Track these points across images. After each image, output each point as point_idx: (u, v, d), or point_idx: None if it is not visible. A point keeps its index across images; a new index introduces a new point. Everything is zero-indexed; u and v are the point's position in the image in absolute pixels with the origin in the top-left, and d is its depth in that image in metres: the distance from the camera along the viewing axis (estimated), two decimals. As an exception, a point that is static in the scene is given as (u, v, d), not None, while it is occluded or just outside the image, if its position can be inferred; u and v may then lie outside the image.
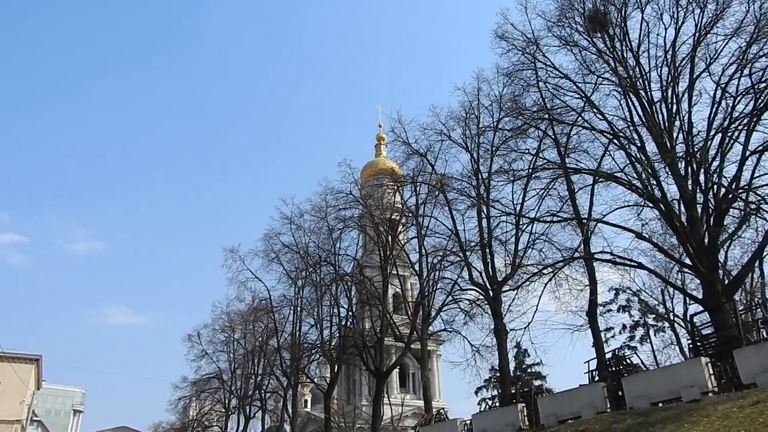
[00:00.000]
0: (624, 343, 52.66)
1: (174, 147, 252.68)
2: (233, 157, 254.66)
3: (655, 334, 52.58)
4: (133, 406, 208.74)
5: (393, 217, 46.27)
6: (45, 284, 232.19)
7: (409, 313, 42.39)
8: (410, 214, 43.41)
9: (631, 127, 29.08)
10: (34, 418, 70.95)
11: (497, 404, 37.17)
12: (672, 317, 47.07)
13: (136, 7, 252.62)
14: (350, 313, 45.46)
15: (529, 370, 62.65)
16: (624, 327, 54.55)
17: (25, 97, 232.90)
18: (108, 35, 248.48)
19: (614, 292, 53.13)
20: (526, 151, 35.05)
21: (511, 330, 32.94)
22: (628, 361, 27.65)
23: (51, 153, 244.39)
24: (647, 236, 28.18)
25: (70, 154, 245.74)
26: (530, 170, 34.21)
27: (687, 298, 42.79)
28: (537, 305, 31.56)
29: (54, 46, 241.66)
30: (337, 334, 47.15)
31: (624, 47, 29.66)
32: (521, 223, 34.63)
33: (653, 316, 52.22)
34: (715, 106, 26.84)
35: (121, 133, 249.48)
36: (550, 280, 31.34)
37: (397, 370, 63.10)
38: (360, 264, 47.36)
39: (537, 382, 59.32)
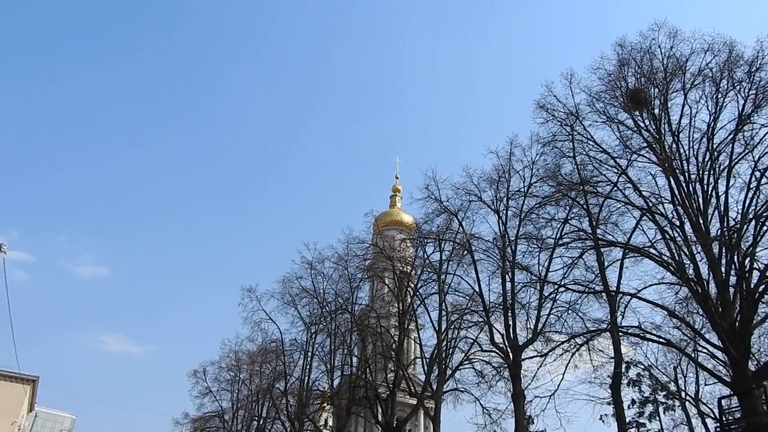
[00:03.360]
0: (633, 418, 51.68)
1: (190, 183, 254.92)
2: (247, 197, 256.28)
3: (664, 413, 51.62)
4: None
5: (412, 271, 46.34)
6: (46, 306, 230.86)
7: (425, 368, 41.97)
8: (430, 270, 43.43)
9: (666, 204, 29.51)
10: (24, 441, 69.51)
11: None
12: (684, 396, 46.38)
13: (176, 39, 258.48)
14: (365, 364, 44.99)
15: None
16: (633, 402, 53.71)
17: (48, 109, 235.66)
18: (136, 51, 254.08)
19: (625, 365, 52.57)
20: (555, 218, 35.50)
21: (535, 398, 32.53)
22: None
23: (66, 171, 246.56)
24: (681, 315, 28.11)
25: (84, 174, 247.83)
26: (557, 238, 34.59)
27: (699, 379, 42.43)
28: (564, 374, 31.29)
29: (65, 55, 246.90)
30: (348, 384, 46.56)
31: (663, 126, 30.28)
32: (545, 289, 34.79)
33: (664, 393, 51.42)
34: (752, 191, 27.22)
35: (140, 161, 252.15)
36: (577, 350, 31.26)
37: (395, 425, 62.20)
38: (378, 314, 47.17)
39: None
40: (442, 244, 41.97)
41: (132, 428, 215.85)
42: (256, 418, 60.93)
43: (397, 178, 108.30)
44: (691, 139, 29.61)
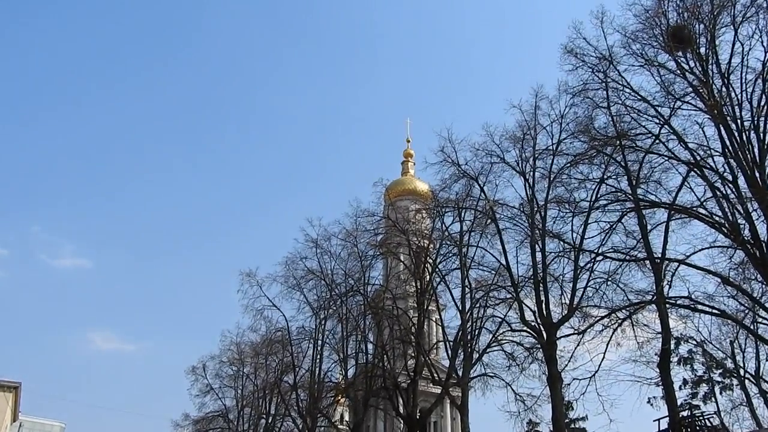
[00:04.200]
0: (685, 400, 51.87)
1: (175, 155, 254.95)
2: (241, 169, 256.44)
3: (721, 393, 51.78)
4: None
5: (430, 245, 46.41)
6: (24, 303, 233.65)
7: (448, 353, 42.26)
8: (450, 243, 43.47)
9: (716, 157, 29.21)
10: (8, 454, 71.01)
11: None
12: (742, 373, 46.40)
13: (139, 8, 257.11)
14: (381, 351, 45.36)
15: (572, 426, 61.95)
16: (685, 382, 53.90)
17: (5, 95, 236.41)
18: (104, 32, 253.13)
19: (674, 341, 52.62)
20: (589, 179, 35.26)
21: (574, 380, 32.68)
22: (708, 422, 27.29)
23: (36, 155, 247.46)
24: (736, 282, 28.03)
25: (57, 156, 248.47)
26: (592, 200, 34.41)
27: (760, 353, 42.33)
28: (605, 352, 31.38)
29: (37, 40, 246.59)
30: (364, 373, 47.03)
31: (710, 67, 29.80)
32: (580, 259, 34.74)
33: (720, 370, 51.51)
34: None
35: (117, 135, 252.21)
36: (619, 326, 31.31)
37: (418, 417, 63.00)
38: (393, 295, 47.43)
39: (581, 440, 58.59)
40: (463, 213, 41.92)
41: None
42: (264, 416, 61.62)
43: (408, 141, 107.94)
44: (743, 80, 29.02)
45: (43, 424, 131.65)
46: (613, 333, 31.86)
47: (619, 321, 32.07)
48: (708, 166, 29.30)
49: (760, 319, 33.71)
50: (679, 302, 30.59)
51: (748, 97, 28.66)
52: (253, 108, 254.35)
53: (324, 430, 71.90)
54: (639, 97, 31.91)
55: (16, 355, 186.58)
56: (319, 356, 51.80)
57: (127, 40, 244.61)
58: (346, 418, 66.42)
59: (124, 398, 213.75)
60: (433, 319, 53.25)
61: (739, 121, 28.43)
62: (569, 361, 34.05)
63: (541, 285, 35.44)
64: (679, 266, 30.62)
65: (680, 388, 52.12)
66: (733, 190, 27.88)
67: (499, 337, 40.12)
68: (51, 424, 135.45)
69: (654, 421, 28.59)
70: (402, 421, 47.67)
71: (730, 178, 28.15)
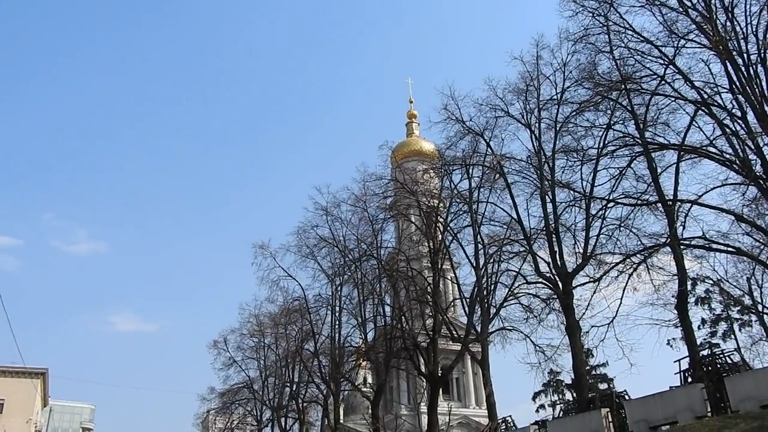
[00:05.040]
0: (705, 340, 52.12)
1: (184, 131, 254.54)
2: (253, 141, 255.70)
3: (740, 330, 52.02)
4: (149, 422, 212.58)
5: (440, 204, 46.39)
6: (43, 291, 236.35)
7: (465, 309, 42.58)
8: (460, 201, 43.44)
9: (723, 94, 28.83)
10: (42, 438, 72.92)
11: (560, 411, 37.24)
12: (761, 309, 46.51)
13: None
14: (399, 313, 45.76)
15: (593, 373, 62.54)
16: (703, 322, 54.11)
17: (7, 73, 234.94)
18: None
19: (691, 282, 52.68)
20: (596, 125, 34.98)
21: (592, 327, 32.86)
22: (728, 359, 27.42)
23: (41, 140, 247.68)
24: (750, 218, 27.90)
25: (64, 141, 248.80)
26: (600, 147, 34.19)
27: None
28: (621, 298, 31.46)
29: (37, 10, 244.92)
30: (384, 336, 47.52)
31: (713, 1, 29.16)
32: (592, 207, 34.66)
33: (738, 308, 51.65)
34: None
35: (123, 114, 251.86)
36: (634, 270, 31.34)
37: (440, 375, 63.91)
38: (407, 256, 47.63)
39: (602, 386, 59.23)
40: (470, 170, 41.88)
41: (157, 411, 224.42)
42: (288, 384, 62.89)
43: (411, 102, 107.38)
44: (748, 13, 28.45)
45: (73, 407, 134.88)
46: (628, 278, 31.98)
47: (635, 266, 32.13)
48: (716, 104, 28.94)
49: (776, 254, 33.71)
50: (693, 243, 30.58)
51: (754, 30, 28.14)
52: (253, 75, 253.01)
53: (348, 394, 73.18)
54: (642, 39, 31.39)
55: (41, 342, 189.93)
56: (337, 322, 52.57)
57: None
58: (369, 380, 67.27)
59: (149, 377, 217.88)
60: (448, 277, 53.54)
61: (745, 55, 27.95)
62: (586, 309, 34.32)
63: (553, 236, 35.55)
64: (691, 207, 30.52)
65: (699, 328, 52.32)
66: (743, 125, 27.56)
67: (515, 291, 40.42)
68: (81, 407, 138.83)
69: (674, 362, 28.68)
70: (424, 380, 48.40)
71: (738, 114, 27.81)
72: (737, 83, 27.75)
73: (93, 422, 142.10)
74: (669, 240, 30.58)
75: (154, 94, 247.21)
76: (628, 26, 31.95)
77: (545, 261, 36.14)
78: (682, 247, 30.53)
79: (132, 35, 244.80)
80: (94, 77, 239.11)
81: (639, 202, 32.44)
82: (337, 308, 52.46)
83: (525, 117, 38.32)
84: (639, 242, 33.06)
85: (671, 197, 30.90)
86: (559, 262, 35.01)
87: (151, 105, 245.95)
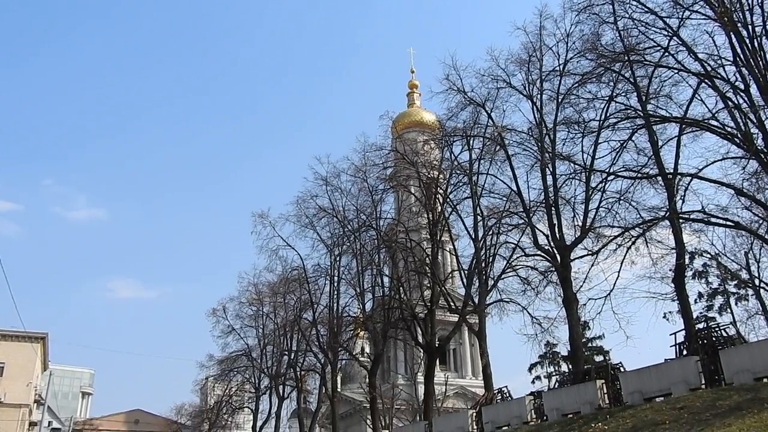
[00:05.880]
0: (701, 313, 52.49)
1: (183, 99, 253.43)
2: (253, 112, 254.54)
3: (736, 303, 52.41)
4: (147, 388, 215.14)
5: (440, 175, 46.26)
6: (44, 257, 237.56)
7: (464, 281, 42.74)
8: (460, 172, 43.35)
9: (727, 67, 28.61)
10: (41, 402, 73.77)
11: (556, 383, 37.48)
12: (758, 284, 46.75)
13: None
14: (397, 283, 45.92)
15: (589, 345, 63.06)
16: (700, 295, 54.48)
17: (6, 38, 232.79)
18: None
19: (689, 256, 52.87)
20: (598, 97, 34.77)
21: (589, 300, 33.05)
22: (724, 332, 27.58)
23: (43, 106, 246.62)
24: (750, 193, 27.88)
25: (64, 106, 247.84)
26: (602, 119, 34.04)
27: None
28: (619, 271, 31.60)
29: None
30: (382, 306, 47.77)
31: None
32: (592, 180, 34.62)
33: (735, 282, 51.95)
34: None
35: (125, 81, 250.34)
36: (632, 244, 31.40)
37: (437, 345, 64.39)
38: (406, 227, 47.70)
39: (598, 358, 59.75)
40: (471, 141, 41.73)
41: (155, 377, 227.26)
42: (286, 352, 63.41)
43: (412, 72, 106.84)
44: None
45: (73, 371, 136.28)
46: (627, 251, 32.15)
47: (633, 239, 32.27)
48: (719, 77, 28.76)
49: (774, 228, 33.76)
50: (692, 216, 30.59)
51: (759, 1, 27.82)
52: (251, 40, 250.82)
53: (345, 364, 73.82)
54: (646, 9, 31.07)
55: (42, 307, 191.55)
56: (336, 292, 52.84)
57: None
58: (367, 350, 67.80)
59: (148, 343, 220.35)
60: (447, 249, 53.62)
61: (750, 27, 27.64)
62: (584, 282, 34.57)
63: (553, 208, 35.56)
64: (691, 180, 30.47)
65: (695, 302, 52.82)
66: (746, 99, 27.41)
67: (513, 263, 40.60)
68: (81, 371, 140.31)
69: (670, 335, 28.82)
70: (421, 350, 48.81)
71: (742, 87, 27.64)
72: (741, 56, 27.53)
73: (92, 387, 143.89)
74: (668, 214, 30.61)
75: (153, 58, 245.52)
76: (633, -4, 31.59)
77: (544, 234, 36.26)
78: (681, 220, 30.57)
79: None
80: (94, 39, 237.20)
81: (639, 175, 32.49)
82: (336, 278, 52.79)
83: (527, 88, 38.09)
84: (638, 216, 33.25)
85: (671, 171, 30.82)
86: (557, 235, 35.05)
87: (151, 70, 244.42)
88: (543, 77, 37.39)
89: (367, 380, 50.92)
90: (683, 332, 28.89)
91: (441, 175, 45.93)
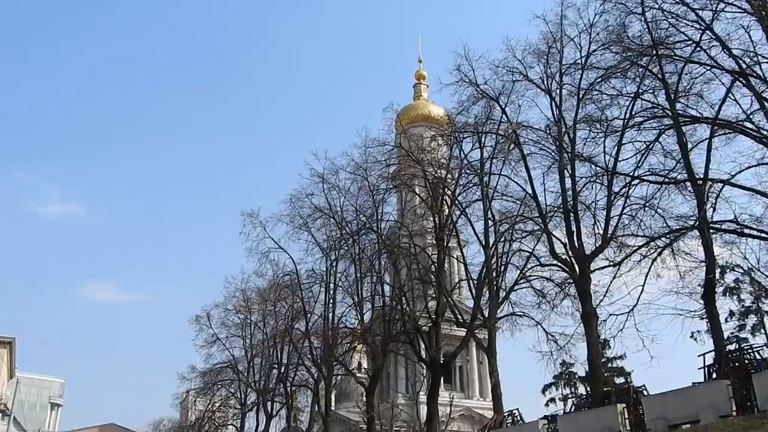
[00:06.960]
0: (732, 333, 52.52)
1: (170, 90, 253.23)
2: (243, 99, 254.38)
3: (772, 324, 52.38)
4: (122, 401, 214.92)
5: (448, 175, 46.29)
6: (13, 255, 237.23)
7: (472, 292, 42.81)
8: (470, 172, 43.42)
9: (763, 65, 28.73)
10: (6, 412, 73.73)
11: (572, 406, 37.53)
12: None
13: None
14: (399, 293, 45.88)
15: (609, 365, 63.03)
16: (731, 314, 54.46)
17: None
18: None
19: (719, 270, 52.85)
20: (622, 94, 34.84)
21: (610, 316, 33.09)
22: (757, 354, 27.63)
23: (13, 93, 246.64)
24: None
25: (35, 93, 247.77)
26: (627, 118, 34.12)
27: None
28: (643, 285, 31.67)
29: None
30: (382, 317, 47.72)
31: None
32: (615, 183, 34.69)
33: (770, 300, 52.00)
34: None
35: (104, 67, 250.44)
36: (658, 255, 31.46)
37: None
38: (410, 231, 47.69)
39: (619, 380, 59.72)
40: (483, 139, 41.86)
41: (131, 388, 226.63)
42: (276, 366, 63.34)
43: (420, 62, 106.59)
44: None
45: (42, 381, 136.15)
46: (652, 263, 32.24)
47: (659, 250, 32.35)
48: (755, 75, 28.85)
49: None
50: (724, 227, 30.57)
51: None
52: (247, 31, 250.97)
53: (341, 379, 73.74)
54: (677, 0, 31.11)
55: (10, 309, 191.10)
56: (331, 300, 52.79)
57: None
58: (365, 365, 67.76)
59: (124, 351, 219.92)
60: (455, 256, 53.63)
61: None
62: (604, 295, 34.56)
63: (571, 214, 35.63)
64: (723, 187, 30.49)
65: (726, 321, 52.72)
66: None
67: (527, 273, 40.62)
68: (50, 380, 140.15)
69: (699, 356, 28.86)
70: (425, 367, 48.71)
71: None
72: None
73: (62, 397, 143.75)
74: (697, 223, 30.70)
75: (138, 49, 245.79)
76: (663, -15, 31.72)
77: (561, 242, 36.30)
78: (711, 231, 30.58)
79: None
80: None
81: (666, 180, 32.62)
82: (332, 285, 52.69)
83: (545, 82, 38.27)
84: (664, 224, 33.42)
85: (701, 176, 30.93)
86: (576, 244, 35.15)
87: (135, 60, 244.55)
88: (563, 70, 37.59)
89: (365, 398, 50.86)
90: (713, 353, 28.93)
91: (449, 175, 46.03)
